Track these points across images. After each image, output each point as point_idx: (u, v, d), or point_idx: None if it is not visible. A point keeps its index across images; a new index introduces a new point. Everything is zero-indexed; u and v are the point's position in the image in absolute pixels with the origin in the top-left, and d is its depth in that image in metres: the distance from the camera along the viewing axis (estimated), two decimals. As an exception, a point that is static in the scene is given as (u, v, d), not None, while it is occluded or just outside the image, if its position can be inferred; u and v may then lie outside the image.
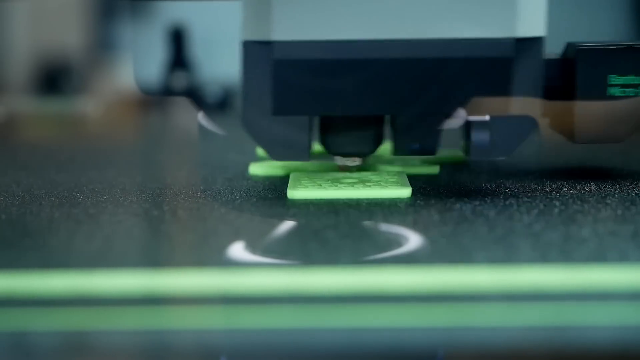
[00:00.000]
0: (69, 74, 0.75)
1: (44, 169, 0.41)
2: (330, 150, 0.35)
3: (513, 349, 0.22)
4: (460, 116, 0.34)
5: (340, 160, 0.35)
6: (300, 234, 0.29)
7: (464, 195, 0.33)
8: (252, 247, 0.28)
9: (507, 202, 0.32)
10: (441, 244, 0.28)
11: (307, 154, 0.33)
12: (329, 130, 0.34)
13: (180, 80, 0.64)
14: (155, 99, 0.66)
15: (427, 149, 0.32)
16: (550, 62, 0.33)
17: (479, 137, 0.32)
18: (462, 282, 0.24)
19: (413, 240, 0.28)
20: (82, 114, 0.67)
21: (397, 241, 0.28)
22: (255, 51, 0.32)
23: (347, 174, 0.35)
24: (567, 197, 0.32)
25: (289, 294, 0.24)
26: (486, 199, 0.32)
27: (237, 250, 0.27)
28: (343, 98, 0.32)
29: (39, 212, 0.32)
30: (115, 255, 0.27)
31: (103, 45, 0.75)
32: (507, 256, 0.26)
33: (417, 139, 0.32)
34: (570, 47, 0.34)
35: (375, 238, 0.29)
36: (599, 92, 0.33)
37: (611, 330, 0.22)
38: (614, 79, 0.33)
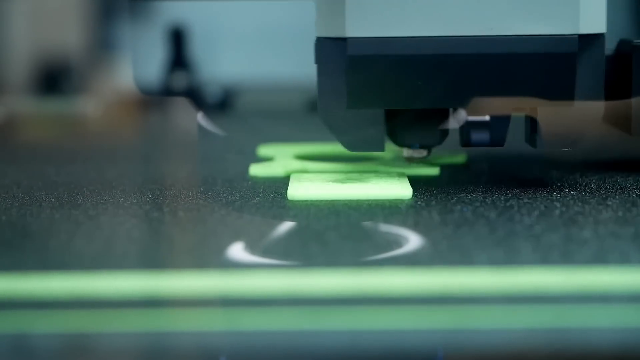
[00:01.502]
0: (69, 74, 0.75)
1: (44, 169, 0.41)
2: (399, 142, 0.36)
3: (514, 351, 0.22)
4: (460, 116, 0.34)
5: (407, 152, 0.36)
6: (301, 235, 0.29)
7: (465, 197, 0.33)
8: (252, 248, 0.28)
9: (508, 204, 0.32)
10: (442, 245, 0.28)
11: (383, 145, 0.34)
12: (397, 122, 0.35)
13: (180, 80, 0.64)
14: (155, 99, 0.66)
15: (495, 140, 0.34)
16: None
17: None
18: (463, 284, 0.24)
19: (414, 241, 0.28)
20: (82, 114, 0.67)
21: (397, 243, 0.28)
22: (330, 47, 0.33)
23: (347, 175, 0.35)
24: (567, 199, 0.32)
25: (289, 295, 0.24)
26: (487, 200, 0.32)
27: (237, 251, 0.27)
28: (413, 92, 0.33)
29: (39, 213, 0.32)
30: (115, 257, 0.27)
31: (103, 45, 0.75)
32: (508, 258, 0.26)
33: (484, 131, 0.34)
34: (624, 44, 0.35)
35: (376, 239, 0.29)
36: None
37: (612, 332, 0.22)
38: None
